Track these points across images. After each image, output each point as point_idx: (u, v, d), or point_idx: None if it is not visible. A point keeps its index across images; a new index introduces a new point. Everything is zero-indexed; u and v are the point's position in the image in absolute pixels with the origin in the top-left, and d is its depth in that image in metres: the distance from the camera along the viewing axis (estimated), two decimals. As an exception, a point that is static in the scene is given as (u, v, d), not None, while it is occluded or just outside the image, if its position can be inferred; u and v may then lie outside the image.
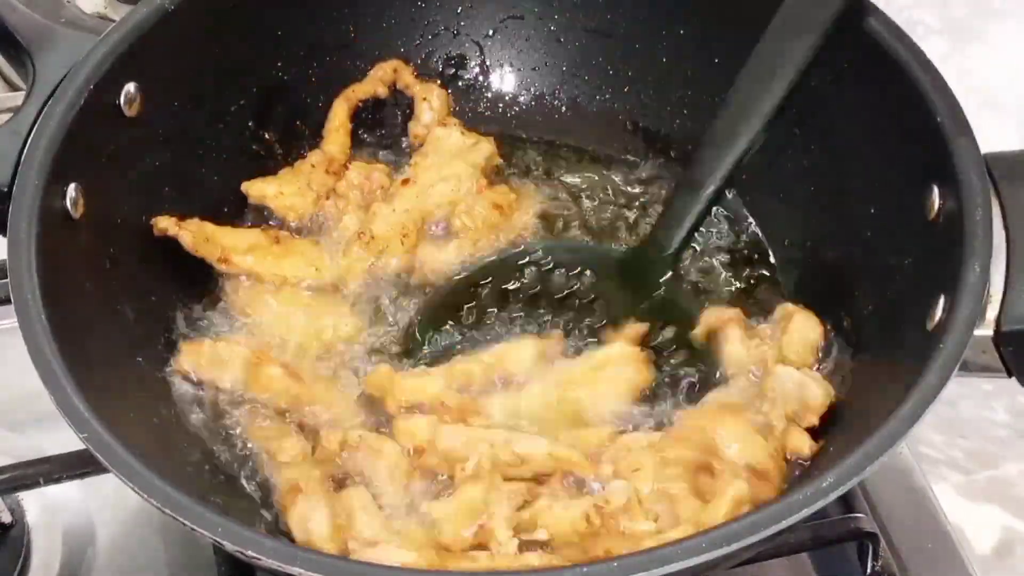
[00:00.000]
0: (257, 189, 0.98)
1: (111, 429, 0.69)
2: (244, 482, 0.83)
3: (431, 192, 0.98)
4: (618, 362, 0.87)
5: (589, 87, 1.06)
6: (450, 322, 0.92)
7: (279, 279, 0.93)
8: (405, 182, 0.99)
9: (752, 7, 0.92)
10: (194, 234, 0.92)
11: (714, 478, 0.78)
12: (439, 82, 1.06)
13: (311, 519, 0.78)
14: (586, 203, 1.02)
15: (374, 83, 1.04)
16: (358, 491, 0.80)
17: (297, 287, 0.94)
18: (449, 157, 1.00)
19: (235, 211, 0.98)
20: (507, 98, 1.08)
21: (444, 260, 0.96)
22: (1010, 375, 0.74)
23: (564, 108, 1.07)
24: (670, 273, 0.93)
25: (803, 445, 0.80)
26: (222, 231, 0.94)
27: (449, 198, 0.98)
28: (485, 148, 1.02)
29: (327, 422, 0.86)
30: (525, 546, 0.75)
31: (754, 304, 0.94)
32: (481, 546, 0.75)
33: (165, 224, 0.91)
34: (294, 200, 0.97)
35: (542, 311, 0.93)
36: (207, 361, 0.87)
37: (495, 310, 0.93)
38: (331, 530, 0.77)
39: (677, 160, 1.02)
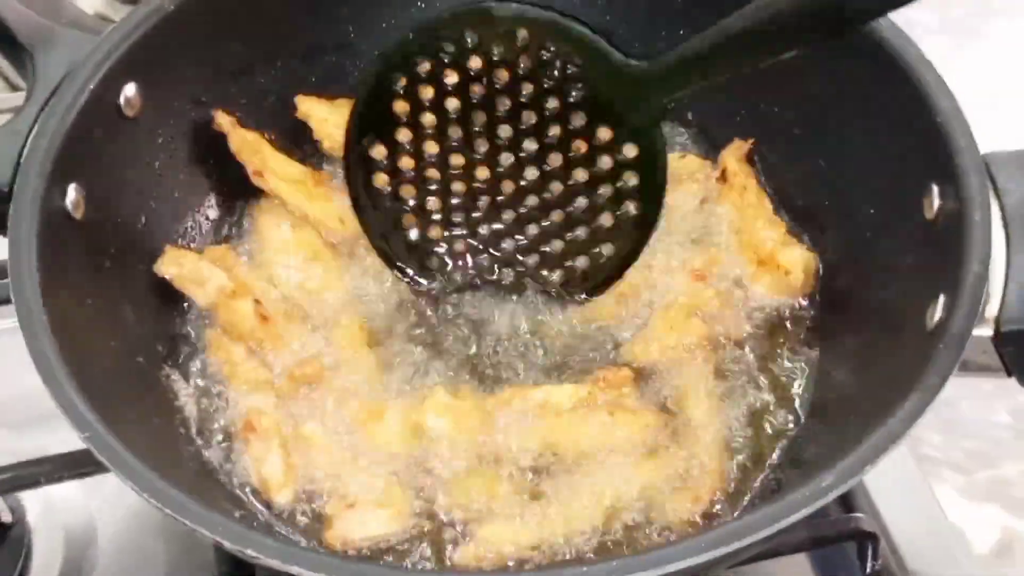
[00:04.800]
0: (307, 106, 0.99)
1: (112, 429, 0.69)
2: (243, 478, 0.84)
3: None
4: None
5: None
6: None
7: (301, 213, 0.95)
8: None
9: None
10: (245, 141, 0.94)
11: None
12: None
13: (265, 462, 0.81)
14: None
15: None
16: (314, 429, 0.83)
17: (314, 233, 0.95)
18: None
19: (232, 210, 0.99)
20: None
21: None
22: (1010, 375, 0.74)
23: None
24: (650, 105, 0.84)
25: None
26: (274, 153, 0.96)
27: None
28: None
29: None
30: None
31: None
32: None
33: (222, 120, 0.93)
34: (335, 131, 0.98)
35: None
36: (187, 273, 0.89)
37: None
38: (284, 475, 0.81)
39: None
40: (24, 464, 0.89)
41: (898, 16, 0.84)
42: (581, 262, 0.91)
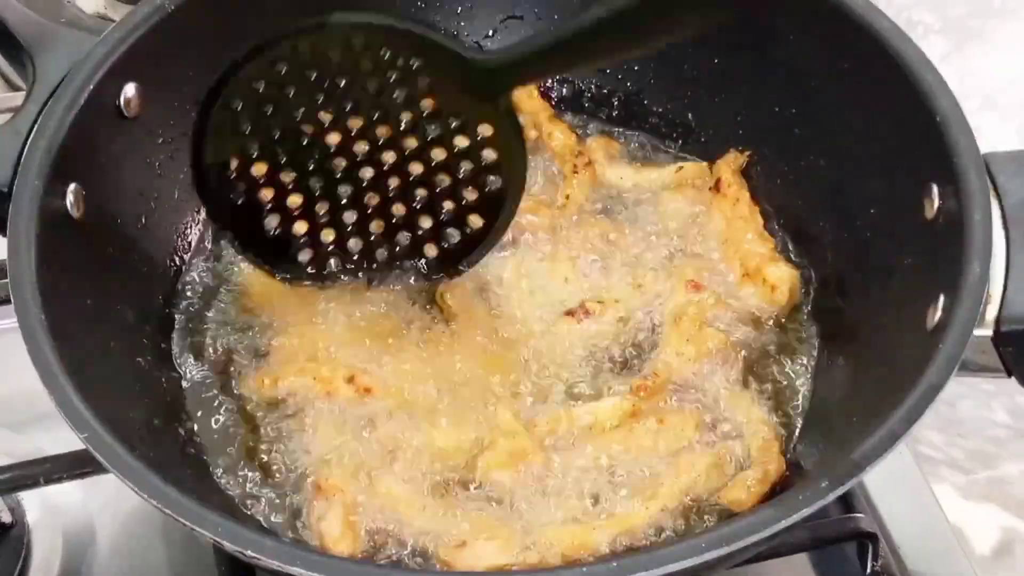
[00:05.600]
0: None
1: (111, 429, 0.69)
2: (242, 479, 0.84)
3: None
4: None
5: (589, 87, 1.06)
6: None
7: None
8: None
9: (751, 7, 0.93)
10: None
11: None
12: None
13: (324, 519, 0.79)
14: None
15: None
16: (392, 484, 0.81)
17: None
18: None
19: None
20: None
21: None
22: (1009, 375, 0.74)
23: (563, 108, 1.07)
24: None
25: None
26: None
27: None
28: None
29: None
30: None
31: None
32: None
33: None
34: None
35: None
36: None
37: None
38: (342, 532, 0.78)
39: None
40: (23, 464, 0.89)
41: (899, 16, 0.84)
42: (453, 234, 0.90)
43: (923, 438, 1.06)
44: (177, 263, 0.94)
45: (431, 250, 0.91)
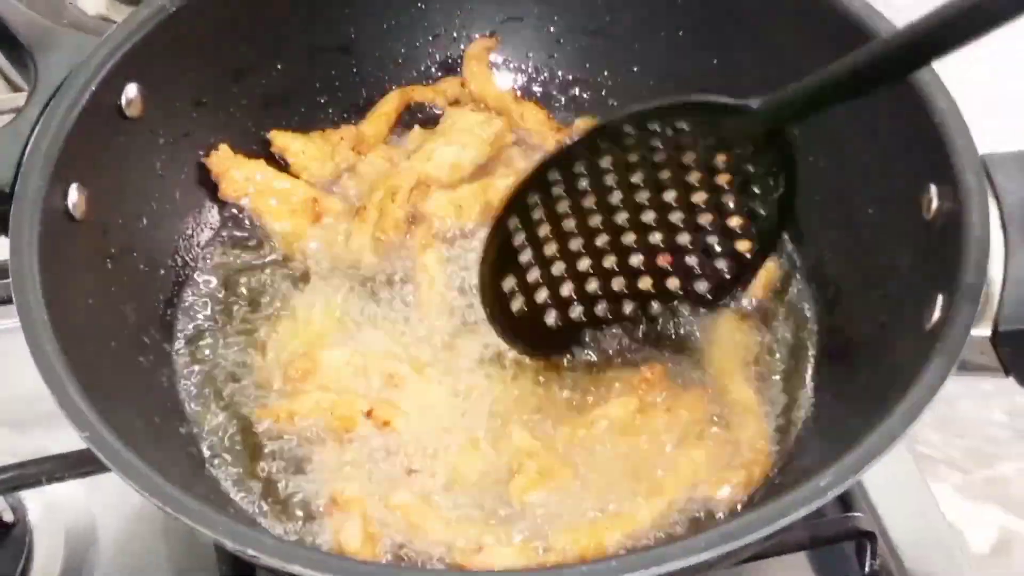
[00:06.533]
0: (282, 140, 0.99)
1: (112, 428, 0.69)
2: (244, 480, 0.84)
3: (434, 156, 0.97)
4: None
5: (589, 88, 1.06)
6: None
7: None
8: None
9: (749, 8, 0.93)
10: (234, 185, 0.95)
11: None
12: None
13: (343, 531, 0.79)
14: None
15: (438, 93, 1.05)
16: (404, 498, 0.80)
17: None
18: (459, 132, 1.00)
19: (234, 211, 0.99)
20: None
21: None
22: (1008, 375, 0.74)
23: (564, 109, 1.07)
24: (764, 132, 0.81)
25: None
26: (268, 188, 0.96)
27: (451, 161, 0.97)
28: (496, 124, 1.01)
29: None
30: None
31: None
32: None
33: (212, 167, 0.95)
34: (312, 163, 0.99)
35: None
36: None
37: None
38: (362, 544, 0.78)
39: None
40: (25, 464, 0.89)
41: (899, 16, 0.84)
42: (722, 265, 0.88)
43: (921, 437, 1.06)
44: (179, 263, 0.95)
45: (702, 286, 0.88)
